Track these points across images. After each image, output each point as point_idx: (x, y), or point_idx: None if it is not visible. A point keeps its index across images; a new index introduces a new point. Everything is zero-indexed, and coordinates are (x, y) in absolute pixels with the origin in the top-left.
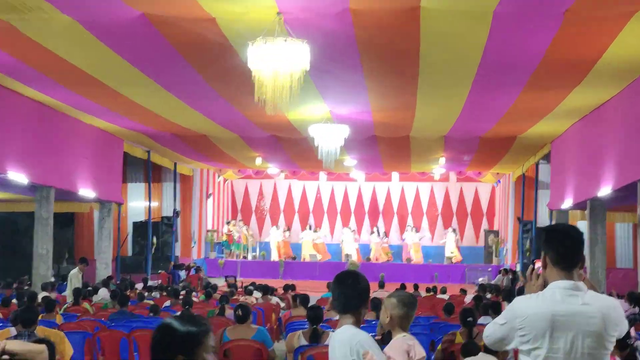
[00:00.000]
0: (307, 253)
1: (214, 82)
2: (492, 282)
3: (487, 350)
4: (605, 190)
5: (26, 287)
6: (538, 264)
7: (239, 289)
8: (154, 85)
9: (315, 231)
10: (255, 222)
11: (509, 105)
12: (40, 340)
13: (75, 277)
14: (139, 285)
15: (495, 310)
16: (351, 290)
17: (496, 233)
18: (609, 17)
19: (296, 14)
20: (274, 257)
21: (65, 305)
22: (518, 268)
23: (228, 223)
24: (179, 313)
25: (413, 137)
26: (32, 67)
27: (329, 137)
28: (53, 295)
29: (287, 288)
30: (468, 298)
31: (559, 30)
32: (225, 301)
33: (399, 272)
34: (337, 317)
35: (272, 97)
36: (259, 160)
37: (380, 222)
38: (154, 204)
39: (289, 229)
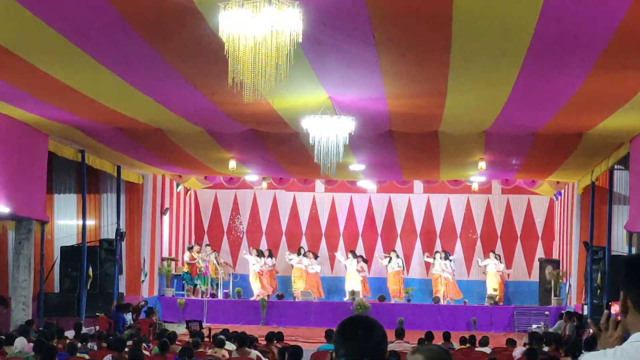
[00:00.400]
0: (299, 289)
1: (172, 58)
2: (551, 330)
3: None
4: None
5: None
6: (616, 308)
7: (205, 339)
8: (91, 62)
9: (306, 256)
10: (228, 247)
11: (574, 91)
12: None
13: None
14: (70, 333)
15: None
16: (362, 344)
17: (556, 263)
18: None
19: None
20: (255, 294)
21: None
22: (586, 311)
23: (190, 249)
24: None
25: (443, 133)
26: None
27: (328, 132)
28: None
29: (271, 338)
30: (517, 352)
31: None
32: (187, 355)
33: (423, 316)
34: None
35: (252, 77)
36: (232, 164)
37: (398, 247)
38: (90, 222)
39: (271, 256)
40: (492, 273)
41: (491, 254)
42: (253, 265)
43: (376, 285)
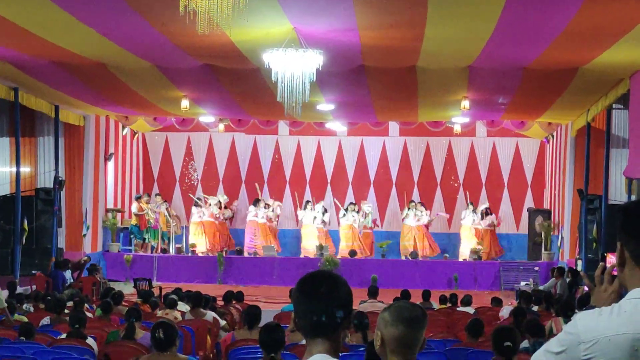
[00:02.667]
0: (260, 243)
1: None
2: (541, 287)
3: None
4: None
5: None
6: (612, 260)
7: (155, 299)
8: None
9: (265, 207)
10: (181, 198)
11: (567, 21)
12: None
13: None
14: (3, 294)
15: (541, 331)
16: (324, 302)
17: (547, 214)
18: None
19: None
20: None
21: None
22: (580, 267)
23: (138, 199)
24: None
25: (422, 68)
26: None
27: (293, 68)
28: None
29: (229, 297)
30: (504, 312)
31: None
32: (135, 317)
33: (399, 273)
34: (303, 342)
35: (206, 5)
36: (185, 103)
37: (371, 197)
38: (25, 169)
39: (227, 207)
40: (466, 227)
41: (470, 205)
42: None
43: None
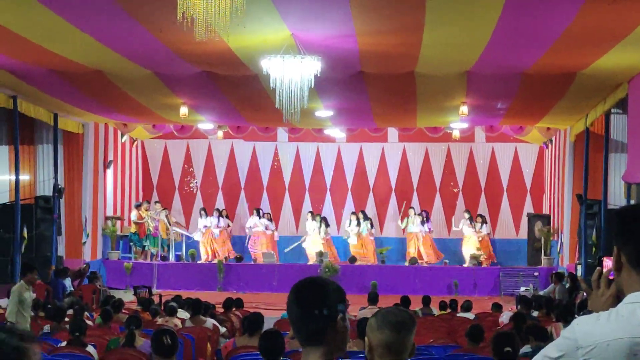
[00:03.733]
0: (259, 251)
1: None
2: (541, 293)
3: None
4: None
5: None
6: (609, 265)
7: (155, 306)
8: None
9: (265, 218)
10: (180, 205)
11: (566, 25)
12: None
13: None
14: (2, 302)
15: (544, 335)
16: (318, 308)
17: (546, 219)
18: None
19: None
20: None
21: None
22: (580, 272)
23: (138, 206)
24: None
25: (420, 74)
26: None
27: (291, 74)
28: None
29: (229, 305)
30: (504, 317)
31: None
32: (135, 325)
33: (399, 280)
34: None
35: (204, 13)
36: (184, 111)
37: (370, 203)
38: (24, 177)
39: (225, 216)
40: (467, 236)
41: (465, 214)
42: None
43: (341, 246)
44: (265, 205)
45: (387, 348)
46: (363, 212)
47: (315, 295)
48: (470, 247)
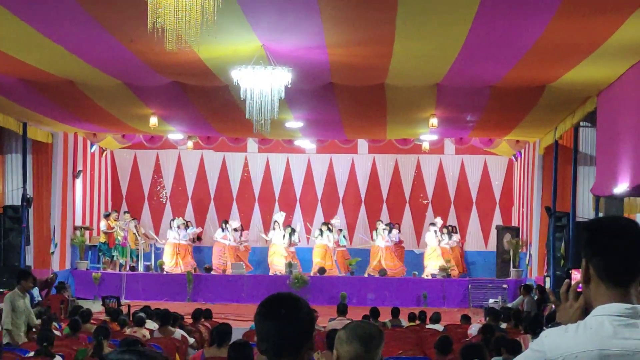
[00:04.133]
0: (227, 261)
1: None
2: (509, 305)
3: None
4: None
5: None
6: (577, 277)
7: (123, 317)
8: None
9: (235, 230)
10: (149, 215)
11: (535, 38)
12: None
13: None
14: None
15: (513, 348)
16: (286, 323)
17: (515, 231)
18: None
19: None
20: (169, 268)
21: None
22: (548, 284)
23: (107, 216)
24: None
25: (390, 86)
26: None
27: (262, 85)
28: None
29: (198, 315)
30: (473, 329)
31: None
32: (103, 335)
33: (368, 291)
34: None
35: (175, 22)
36: (154, 121)
37: (340, 214)
38: None
39: (190, 226)
40: (432, 247)
41: (431, 226)
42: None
43: (306, 257)
44: (235, 215)
45: None
46: (326, 223)
47: (290, 314)
48: (433, 259)
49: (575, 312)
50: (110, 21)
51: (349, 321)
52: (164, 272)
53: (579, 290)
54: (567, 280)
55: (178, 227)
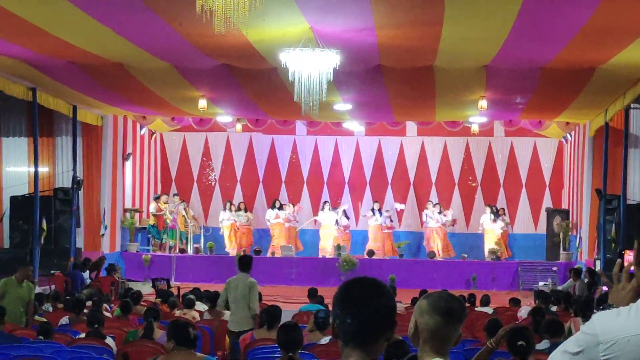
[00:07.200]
0: (278, 243)
1: None
2: (559, 287)
3: None
4: None
5: None
6: (630, 258)
7: (173, 299)
8: None
9: (282, 209)
10: (199, 198)
11: (586, 19)
12: None
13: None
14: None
15: (560, 330)
16: (372, 310)
17: (565, 214)
18: None
19: None
20: (228, 249)
21: None
22: (599, 267)
23: (157, 199)
24: None
25: (439, 68)
26: None
27: (310, 67)
28: None
29: None
30: (523, 312)
31: None
32: (153, 317)
33: (417, 274)
34: (323, 341)
35: (223, 5)
36: (203, 103)
37: (389, 197)
38: (43, 169)
39: (245, 209)
40: (489, 229)
41: (487, 208)
42: (225, 220)
43: (358, 239)
44: (284, 198)
45: (434, 334)
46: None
47: (367, 299)
48: (490, 242)
49: (628, 293)
50: (159, 4)
51: (399, 304)
52: (228, 254)
53: (631, 272)
54: (619, 260)
55: (230, 209)
